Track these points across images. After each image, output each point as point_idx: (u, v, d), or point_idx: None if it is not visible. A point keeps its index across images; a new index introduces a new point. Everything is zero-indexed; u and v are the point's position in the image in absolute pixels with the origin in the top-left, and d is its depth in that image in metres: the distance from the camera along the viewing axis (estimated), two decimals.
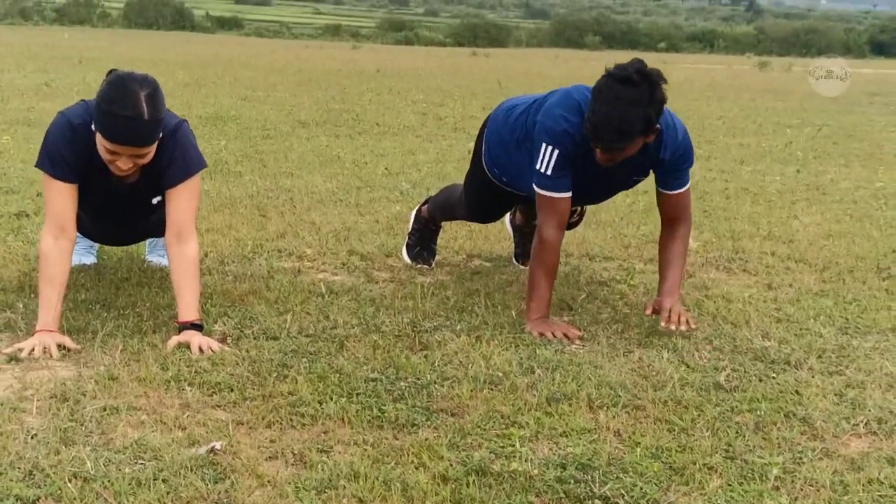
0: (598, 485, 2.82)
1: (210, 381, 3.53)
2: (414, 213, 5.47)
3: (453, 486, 2.82)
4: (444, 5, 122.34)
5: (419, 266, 5.31)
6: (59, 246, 3.94)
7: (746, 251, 5.81)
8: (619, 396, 3.46)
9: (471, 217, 5.24)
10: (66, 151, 3.95)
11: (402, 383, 3.55)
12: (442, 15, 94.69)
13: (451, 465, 2.95)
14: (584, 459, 2.98)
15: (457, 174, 8.28)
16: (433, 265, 5.34)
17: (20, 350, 3.74)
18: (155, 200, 4.20)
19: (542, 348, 3.96)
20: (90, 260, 4.99)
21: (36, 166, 3.98)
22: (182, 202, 4.06)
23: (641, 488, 2.81)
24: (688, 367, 3.81)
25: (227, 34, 50.49)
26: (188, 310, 3.96)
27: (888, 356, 4.01)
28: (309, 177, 7.88)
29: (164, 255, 5.07)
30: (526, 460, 2.99)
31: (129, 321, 4.10)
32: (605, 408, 3.39)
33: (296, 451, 3.02)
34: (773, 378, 3.71)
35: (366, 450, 3.05)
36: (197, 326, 3.93)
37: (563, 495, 2.78)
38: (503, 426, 3.24)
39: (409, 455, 3.00)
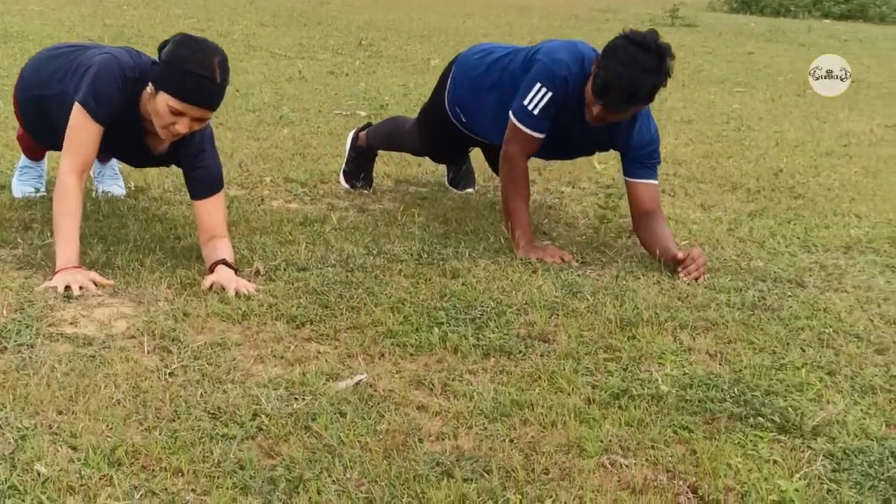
0: (744, 404, 3.06)
1: (288, 315, 3.59)
2: (350, 139, 5.54)
3: (613, 410, 3.01)
4: None
5: (359, 191, 5.39)
6: (80, 184, 3.89)
7: None
8: (685, 319, 3.71)
9: (422, 153, 5.36)
10: (114, 96, 3.89)
11: (474, 311, 3.70)
12: None
13: (593, 390, 3.13)
14: (707, 380, 3.22)
15: (301, 95, 8.33)
16: (371, 191, 5.43)
17: (53, 289, 3.68)
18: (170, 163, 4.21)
19: (565, 273, 4.17)
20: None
21: (79, 101, 3.86)
22: (214, 211, 4.06)
23: (784, 405, 3.06)
24: (710, 289, 4.08)
25: None
26: (224, 252, 3.98)
27: (869, 273, 4.42)
28: None
29: (113, 185, 5.01)
30: (651, 382, 3.19)
31: (144, 255, 4.07)
32: (676, 330, 3.63)
33: (434, 381, 3.13)
34: (795, 297, 4.04)
35: (500, 377, 3.20)
36: (229, 265, 3.93)
37: (719, 414, 3.01)
38: (601, 350, 3.44)
39: (546, 382, 3.17)
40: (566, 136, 4.50)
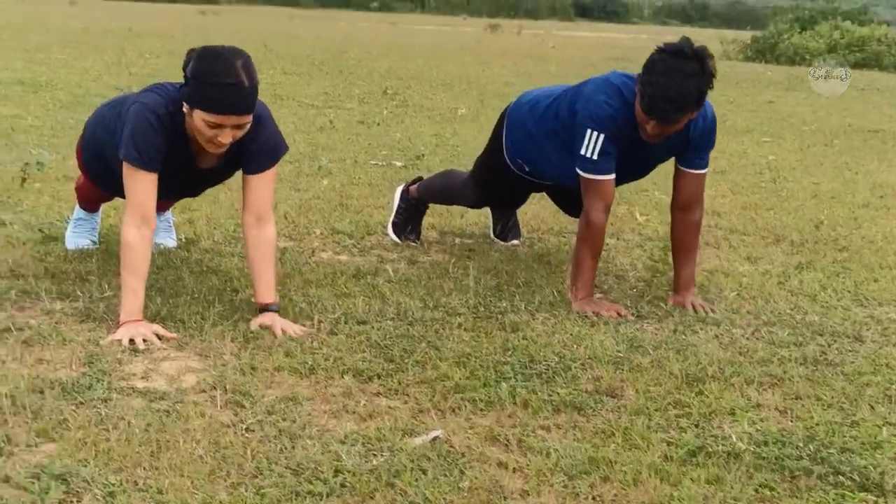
0: (822, 462, 3.05)
1: (354, 369, 3.60)
2: (400, 192, 5.57)
3: (691, 467, 3.01)
4: None
5: (407, 243, 5.42)
6: (142, 235, 3.92)
7: None
8: (750, 374, 3.72)
9: (481, 204, 5.40)
10: (156, 141, 3.93)
11: (539, 366, 3.71)
12: None
13: (668, 446, 3.13)
14: (781, 437, 3.21)
15: (335, 145, 8.38)
16: (419, 243, 5.46)
17: (118, 342, 3.71)
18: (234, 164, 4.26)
19: (623, 327, 4.18)
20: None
21: (122, 157, 3.91)
22: (264, 187, 4.14)
23: (863, 463, 3.05)
24: (770, 343, 4.09)
25: None
26: (267, 292, 4.06)
27: None
28: None
29: (166, 237, 5.04)
30: (725, 439, 3.19)
31: (204, 307, 4.10)
32: (743, 385, 3.63)
33: (510, 437, 3.14)
34: (856, 352, 4.04)
35: (573, 433, 3.20)
36: (274, 308, 4.01)
37: (798, 472, 3.00)
38: (671, 406, 3.44)
39: (620, 438, 3.17)
40: (631, 162, 4.55)
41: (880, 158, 9.61)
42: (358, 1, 60.60)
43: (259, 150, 4.08)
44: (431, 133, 9.49)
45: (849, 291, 4.89)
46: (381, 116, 10.56)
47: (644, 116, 4.25)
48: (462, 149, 8.65)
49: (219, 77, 3.77)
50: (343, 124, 9.80)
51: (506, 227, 5.61)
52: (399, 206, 5.51)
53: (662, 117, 4.21)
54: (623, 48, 29.33)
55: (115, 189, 4.31)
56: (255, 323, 3.94)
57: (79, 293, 4.20)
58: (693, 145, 4.47)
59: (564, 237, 5.78)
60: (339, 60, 18.23)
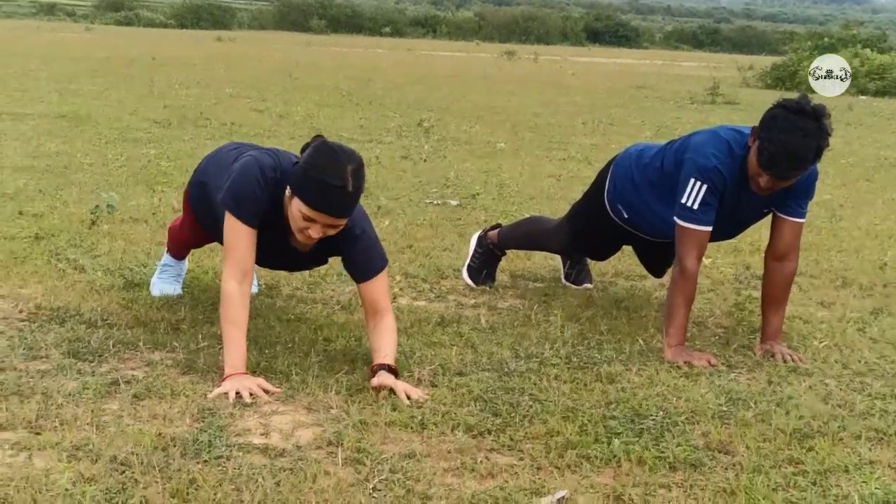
0: None
1: (464, 424, 3.62)
2: (476, 237, 5.62)
3: None
4: None
5: (481, 287, 5.46)
6: (242, 291, 3.94)
7: (752, 267, 6.17)
8: (855, 429, 3.73)
9: (572, 250, 5.44)
10: (255, 197, 3.95)
11: (647, 421, 3.73)
12: None
13: None
14: None
15: (386, 182, 8.41)
16: (492, 286, 5.50)
17: (225, 395, 3.74)
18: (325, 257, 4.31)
19: (718, 379, 4.20)
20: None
21: (221, 202, 3.94)
22: (378, 289, 4.13)
23: None
24: (867, 395, 4.11)
25: None
26: (390, 356, 4.03)
27: None
28: None
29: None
30: (846, 498, 3.21)
31: (301, 358, 4.13)
32: (851, 441, 3.65)
33: (634, 497, 3.16)
34: None
35: (694, 492, 3.22)
36: (393, 371, 3.98)
37: None
38: (785, 463, 3.46)
39: (744, 499, 3.19)
40: (734, 216, 4.62)
41: None
42: (369, 26, 60.64)
43: (365, 256, 4.12)
44: (477, 169, 9.53)
45: None
46: (423, 151, 10.60)
47: (758, 170, 4.28)
48: (512, 187, 8.69)
49: (326, 175, 3.78)
50: (388, 160, 9.84)
51: (580, 271, 5.64)
52: (476, 251, 5.55)
53: (780, 173, 4.26)
54: (642, 75, 29.40)
55: (214, 231, 4.31)
56: (374, 382, 3.89)
57: (174, 343, 4.24)
58: (795, 193, 4.50)
59: (634, 281, 5.79)
60: (366, 90, 18.29)
